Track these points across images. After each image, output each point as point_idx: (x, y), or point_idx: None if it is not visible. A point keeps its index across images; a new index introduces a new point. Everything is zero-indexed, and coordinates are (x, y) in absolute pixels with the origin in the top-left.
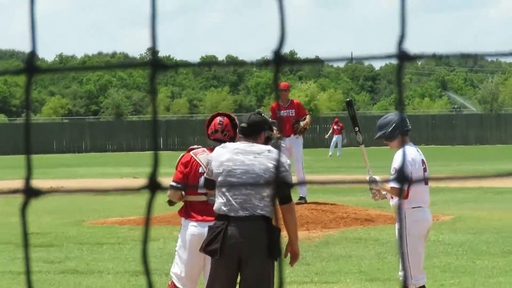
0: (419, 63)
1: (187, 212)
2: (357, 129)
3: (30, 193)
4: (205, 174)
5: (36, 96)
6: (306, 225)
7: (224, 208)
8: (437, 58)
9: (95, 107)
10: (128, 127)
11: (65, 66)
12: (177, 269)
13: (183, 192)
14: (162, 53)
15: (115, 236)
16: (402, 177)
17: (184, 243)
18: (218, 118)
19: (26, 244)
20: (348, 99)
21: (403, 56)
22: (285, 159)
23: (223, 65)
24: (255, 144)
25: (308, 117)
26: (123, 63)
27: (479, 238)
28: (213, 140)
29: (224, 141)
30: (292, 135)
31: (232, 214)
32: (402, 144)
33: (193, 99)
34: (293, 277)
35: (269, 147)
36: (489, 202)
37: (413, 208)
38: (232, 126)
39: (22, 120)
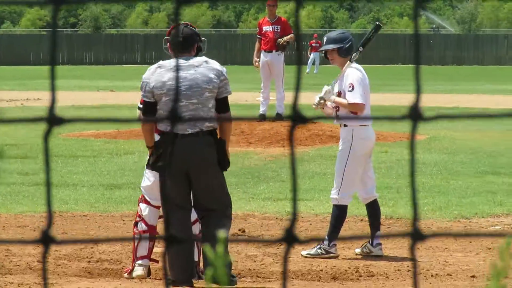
0: None
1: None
2: (361, 49)
3: (53, 121)
4: (144, 98)
5: (15, 7)
6: (282, 141)
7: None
8: None
9: (74, 20)
10: (105, 40)
11: None
12: (147, 182)
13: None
14: None
15: (90, 149)
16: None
17: None
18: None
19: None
20: (378, 23)
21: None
22: (221, 67)
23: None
24: (191, 57)
25: (291, 36)
26: None
27: (454, 159)
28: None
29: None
30: (274, 51)
31: (180, 132)
32: (345, 63)
33: (171, 13)
34: (268, 193)
35: (205, 58)
36: (464, 122)
37: (360, 126)
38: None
39: (1, 31)
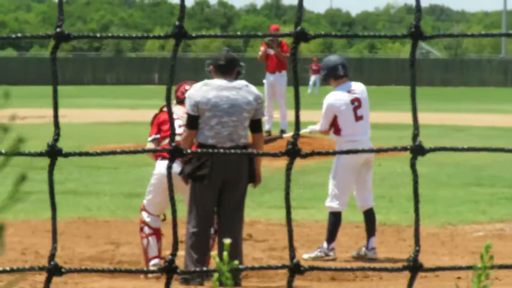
0: (391, 11)
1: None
2: None
3: (55, 153)
4: (189, 111)
5: (44, 33)
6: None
7: (211, 141)
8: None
9: (97, 44)
10: (126, 62)
11: (92, 35)
12: (153, 199)
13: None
14: None
15: (112, 161)
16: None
17: (159, 177)
18: (183, 86)
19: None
20: None
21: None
22: (259, 92)
23: (241, 36)
24: (233, 80)
25: (285, 56)
26: (148, 35)
27: (441, 171)
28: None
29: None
30: (277, 72)
31: (219, 146)
32: (336, 86)
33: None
34: (272, 202)
35: (245, 82)
36: (449, 138)
37: (345, 142)
38: None
39: (30, 54)
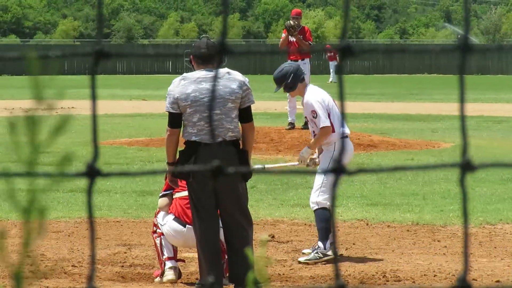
0: None
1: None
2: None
3: (101, 55)
4: (169, 109)
5: (49, 18)
6: None
7: (195, 138)
8: None
9: (107, 30)
10: (138, 50)
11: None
12: (167, 229)
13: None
14: None
15: (123, 157)
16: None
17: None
18: None
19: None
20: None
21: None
22: (243, 77)
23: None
24: (213, 69)
25: (307, 44)
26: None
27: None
28: None
29: None
30: (299, 60)
31: (203, 142)
32: (304, 89)
33: (202, 24)
34: (296, 200)
35: (227, 69)
36: (488, 130)
37: (341, 138)
38: None
39: (34, 41)
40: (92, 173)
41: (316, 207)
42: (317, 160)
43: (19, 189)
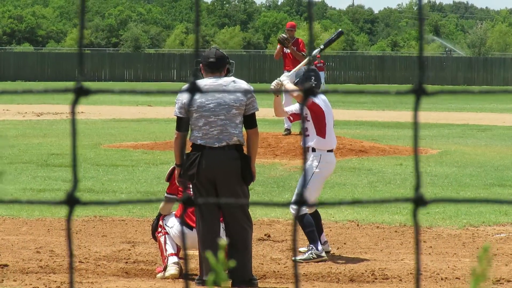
0: (415, 8)
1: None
2: (322, 47)
3: (80, 92)
4: (177, 113)
5: (61, 28)
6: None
7: (200, 142)
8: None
9: (115, 40)
10: (144, 59)
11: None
12: (174, 230)
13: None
14: None
15: (129, 159)
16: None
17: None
18: None
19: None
20: (341, 30)
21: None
22: (249, 86)
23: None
24: (220, 77)
25: (301, 54)
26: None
27: (463, 171)
28: None
29: None
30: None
31: (208, 145)
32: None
33: (206, 35)
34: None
35: (233, 78)
36: (473, 138)
37: (327, 151)
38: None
39: (46, 49)
40: (71, 201)
41: (302, 213)
42: (282, 82)
43: None
